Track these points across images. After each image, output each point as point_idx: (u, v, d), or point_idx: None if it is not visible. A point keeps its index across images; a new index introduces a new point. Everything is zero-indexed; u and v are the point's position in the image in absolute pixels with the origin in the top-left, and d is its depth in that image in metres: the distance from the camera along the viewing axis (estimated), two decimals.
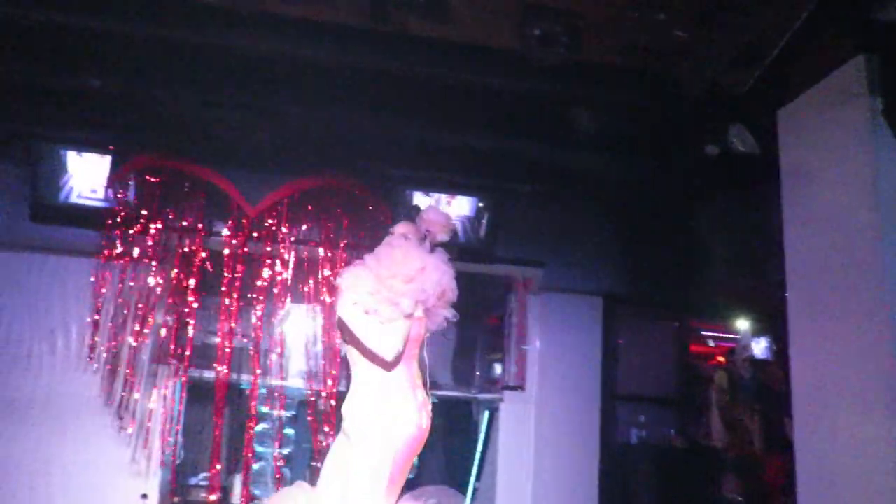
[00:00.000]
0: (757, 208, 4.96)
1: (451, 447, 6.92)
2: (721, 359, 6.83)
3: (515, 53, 3.73)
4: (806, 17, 3.37)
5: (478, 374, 7.62)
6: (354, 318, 2.94)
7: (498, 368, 6.75)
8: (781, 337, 4.25)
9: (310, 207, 5.15)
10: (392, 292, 2.93)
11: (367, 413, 2.91)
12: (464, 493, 6.17)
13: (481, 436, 6.05)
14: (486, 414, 6.03)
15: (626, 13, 3.50)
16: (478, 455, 6.04)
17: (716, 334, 7.29)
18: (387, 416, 2.89)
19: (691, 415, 6.06)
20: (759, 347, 6.47)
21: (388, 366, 2.92)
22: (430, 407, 3.05)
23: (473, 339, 7.87)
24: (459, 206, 5.36)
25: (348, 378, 5.05)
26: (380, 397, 2.93)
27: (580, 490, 5.34)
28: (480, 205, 5.35)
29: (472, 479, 6.08)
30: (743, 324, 6.65)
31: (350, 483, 2.80)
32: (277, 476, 5.39)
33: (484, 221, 5.34)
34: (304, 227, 5.17)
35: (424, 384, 3.13)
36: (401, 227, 3.24)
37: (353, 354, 3.05)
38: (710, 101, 4.06)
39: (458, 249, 5.30)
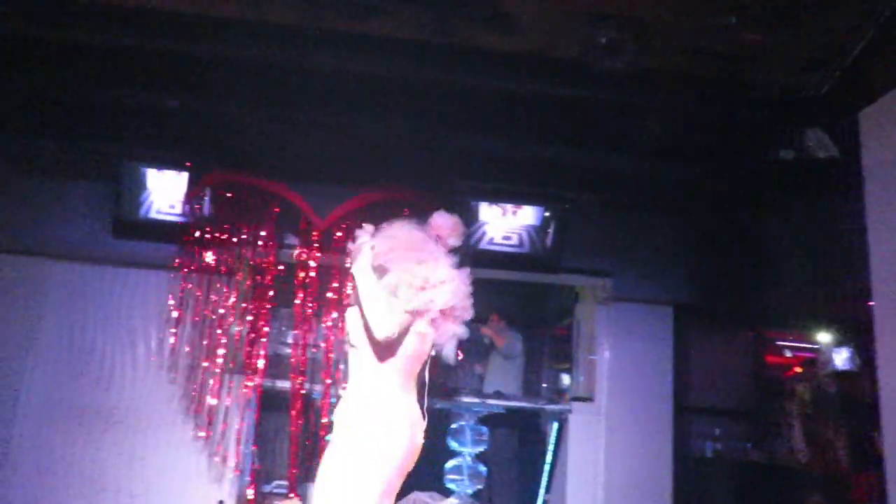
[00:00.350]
0: (836, 214, 4.76)
1: (519, 458, 6.88)
2: (799, 369, 6.57)
3: (580, 62, 3.69)
4: (888, 15, 3.22)
5: (545, 384, 7.57)
6: (369, 284, 2.83)
7: (566, 379, 6.68)
8: (866, 347, 4.06)
9: (377, 219, 5.20)
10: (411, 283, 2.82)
11: (364, 421, 2.81)
12: None
13: (550, 447, 5.98)
14: (555, 425, 5.97)
15: (693, 18, 3.43)
16: (546, 466, 5.98)
17: (793, 344, 7.02)
18: (384, 427, 2.77)
19: (769, 428, 5.84)
20: (841, 358, 6.19)
21: (376, 346, 2.79)
22: (424, 425, 2.86)
23: (540, 350, 7.82)
24: (524, 217, 5.34)
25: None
26: (378, 406, 2.77)
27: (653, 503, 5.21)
28: (546, 214, 5.31)
29: (542, 490, 6.02)
30: (822, 334, 6.38)
31: (338, 494, 2.71)
32: None
33: (550, 231, 5.30)
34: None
35: (421, 402, 3.01)
36: (415, 233, 3.04)
37: (357, 355, 2.88)
38: (784, 104, 3.94)
39: (524, 259, 5.33)
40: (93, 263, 5.26)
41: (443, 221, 3.08)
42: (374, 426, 2.70)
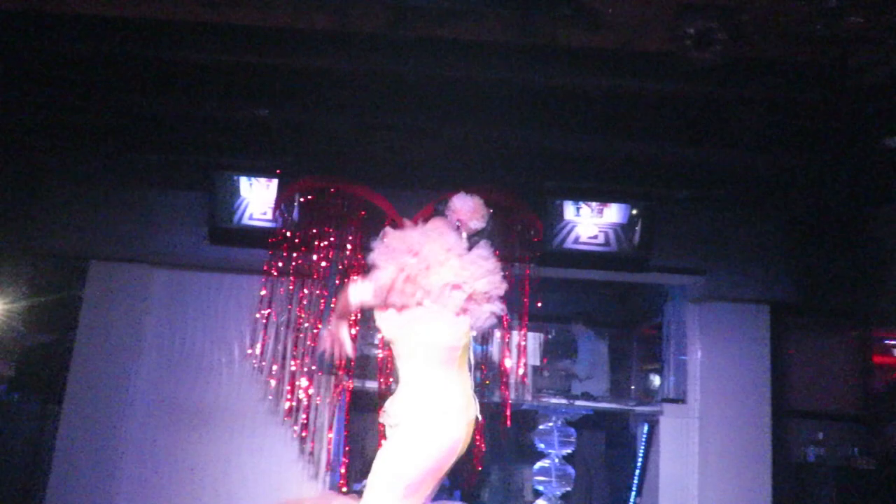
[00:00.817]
0: None
1: (607, 460, 6.77)
2: None
3: (669, 55, 3.58)
4: None
5: (633, 386, 7.41)
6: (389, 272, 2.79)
7: (655, 380, 6.52)
8: None
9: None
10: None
11: (412, 415, 2.72)
12: None
13: (640, 449, 5.86)
14: (646, 427, 5.84)
15: (790, 3, 3.27)
16: (637, 469, 5.85)
17: None
18: (427, 420, 2.68)
19: (877, 433, 5.52)
20: None
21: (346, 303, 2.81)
22: (472, 415, 2.77)
23: (628, 350, 7.66)
24: (610, 215, 5.24)
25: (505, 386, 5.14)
26: (424, 399, 2.73)
27: None
28: (633, 212, 5.19)
29: (633, 494, 5.90)
30: None
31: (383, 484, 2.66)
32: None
33: (637, 229, 5.17)
34: None
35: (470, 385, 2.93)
36: (433, 224, 2.97)
37: (399, 348, 2.86)
38: (890, 89, 3.70)
39: (611, 258, 5.22)
40: (191, 269, 5.51)
41: (463, 204, 3.03)
42: (423, 419, 2.68)
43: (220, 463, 5.23)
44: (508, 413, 5.17)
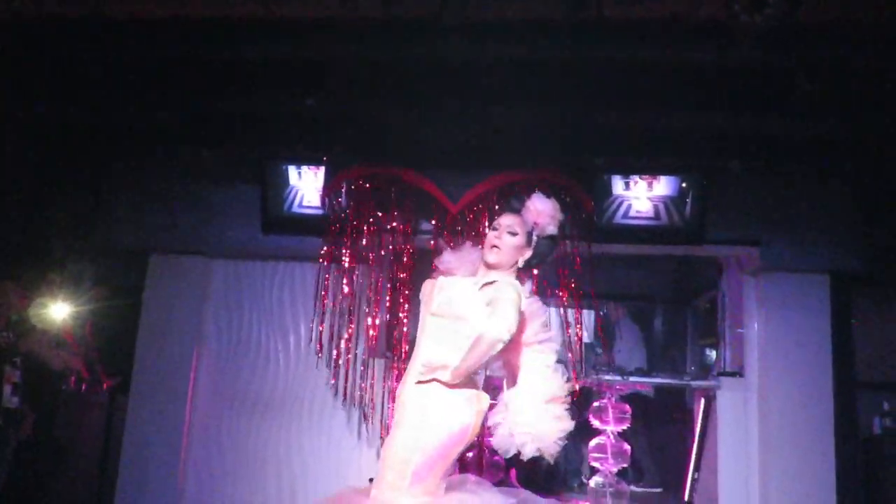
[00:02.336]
0: None
1: (664, 436, 6.73)
2: None
3: (719, 23, 3.49)
4: None
5: (689, 361, 7.32)
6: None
7: (712, 355, 6.43)
8: None
9: (509, 199, 5.20)
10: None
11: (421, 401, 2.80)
12: (682, 485, 5.97)
13: (698, 425, 5.80)
14: (703, 402, 5.78)
15: None
16: (695, 445, 5.81)
17: None
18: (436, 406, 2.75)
19: None
20: None
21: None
22: (484, 405, 2.85)
23: (683, 325, 7.56)
24: (660, 188, 5.15)
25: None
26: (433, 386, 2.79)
27: (815, 485, 4.91)
28: (683, 185, 5.09)
29: (691, 470, 5.85)
30: None
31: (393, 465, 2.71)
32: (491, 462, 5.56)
33: (688, 201, 5.07)
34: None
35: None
36: (506, 220, 2.98)
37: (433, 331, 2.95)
38: None
39: (662, 232, 5.14)
40: (246, 259, 5.62)
41: (543, 206, 2.99)
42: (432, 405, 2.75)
43: (282, 448, 5.36)
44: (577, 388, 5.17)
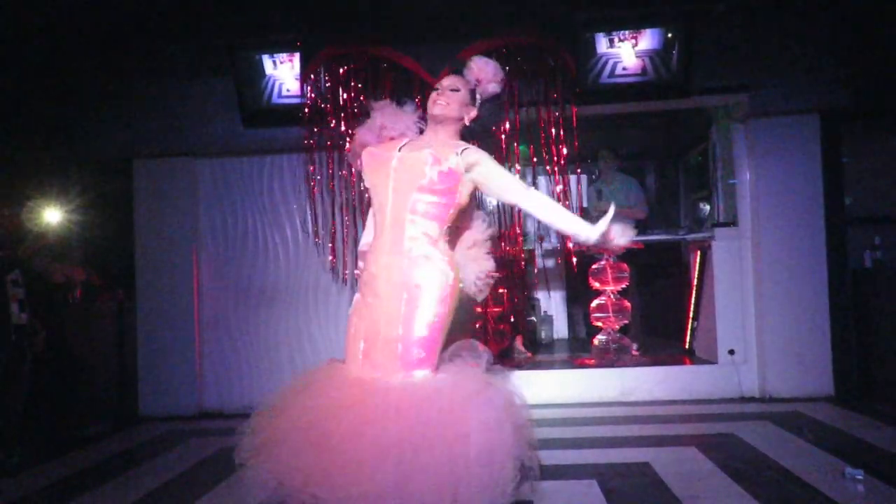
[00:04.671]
0: None
1: (663, 291, 6.90)
2: None
3: None
4: None
5: (683, 215, 7.40)
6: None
7: (705, 208, 6.49)
8: None
9: None
10: None
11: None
12: (682, 335, 6.19)
13: (695, 277, 5.94)
14: (698, 254, 5.89)
15: None
16: (693, 296, 5.97)
17: None
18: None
19: None
20: None
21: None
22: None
23: (675, 181, 7.58)
24: (644, 42, 5.00)
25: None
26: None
27: (809, 321, 5.10)
28: (668, 36, 4.94)
29: (690, 320, 6.05)
30: None
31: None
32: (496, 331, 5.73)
33: (675, 53, 4.94)
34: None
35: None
36: (447, 80, 2.83)
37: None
38: None
39: (650, 87, 5.04)
40: (231, 156, 5.56)
41: (484, 65, 2.87)
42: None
43: (293, 334, 5.52)
44: (573, 259, 5.25)
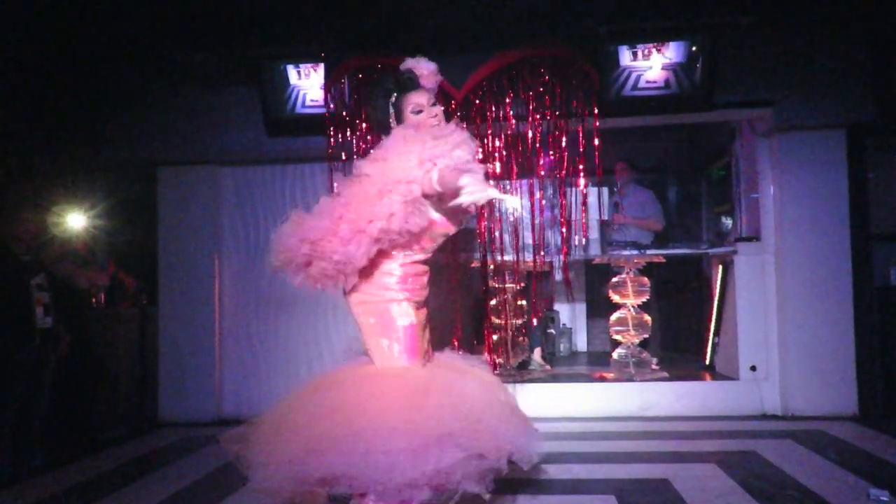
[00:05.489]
0: None
1: (684, 305, 6.84)
2: None
3: None
4: None
5: (705, 229, 7.33)
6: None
7: (727, 222, 6.43)
8: None
9: (516, 83, 5.10)
10: None
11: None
12: (703, 350, 6.13)
13: (717, 291, 5.88)
14: (720, 268, 5.83)
15: None
16: (714, 311, 5.91)
17: None
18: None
19: None
20: None
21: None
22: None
23: (698, 194, 7.52)
24: (668, 55, 4.97)
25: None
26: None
27: (833, 338, 5.02)
28: (692, 48, 4.92)
29: (711, 335, 5.98)
30: None
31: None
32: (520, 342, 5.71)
33: (699, 66, 4.91)
34: (510, 101, 5.12)
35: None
36: (419, 98, 2.76)
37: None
38: None
39: (673, 100, 5.01)
40: (254, 164, 5.63)
41: (427, 65, 2.86)
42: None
43: (311, 343, 5.55)
44: (567, 275, 5.21)
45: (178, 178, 5.59)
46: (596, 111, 5.00)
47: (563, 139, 5.08)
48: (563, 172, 5.08)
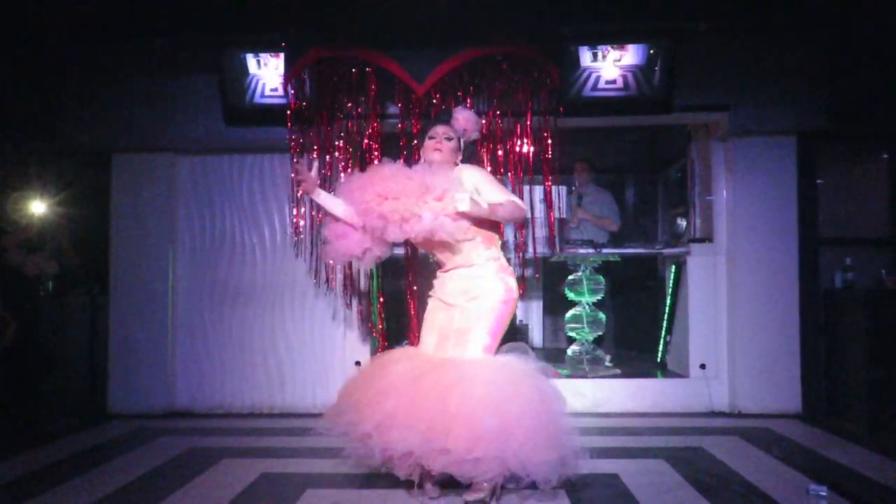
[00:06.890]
0: None
1: (637, 304, 6.96)
2: None
3: None
4: None
5: (660, 230, 7.47)
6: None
7: (682, 224, 6.55)
8: None
9: (477, 80, 5.12)
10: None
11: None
12: (656, 349, 6.25)
13: (669, 291, 6.00)
14: (673, 269, 5.95)
15: None
16: (667, 310, 6.03)
17: None
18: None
19: None
20: None
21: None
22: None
23: (653, 195, 7.66)
24: (628, 58, 5.05)
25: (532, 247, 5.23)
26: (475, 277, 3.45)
27: (780, 339, 5.18)
28: (651, 52, 5.00)
29: (663, 333, 6.11)
30: None
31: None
32: None
33: (657, 69, 5.00)
34: (470, 99, 5.14)
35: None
36: (440, 128, 3.43)
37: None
38: None
39: (631, 102, 5.10)
40: (212, 154, 5.54)
41: (468, 115, 3.49)
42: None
43: (267, 336, 5.49)
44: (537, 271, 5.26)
45: (133, 165, 5.46)
46: (562, 110, 5.06)
47: (526, 138, 5.13)
48: (524, 172, 5.14)
